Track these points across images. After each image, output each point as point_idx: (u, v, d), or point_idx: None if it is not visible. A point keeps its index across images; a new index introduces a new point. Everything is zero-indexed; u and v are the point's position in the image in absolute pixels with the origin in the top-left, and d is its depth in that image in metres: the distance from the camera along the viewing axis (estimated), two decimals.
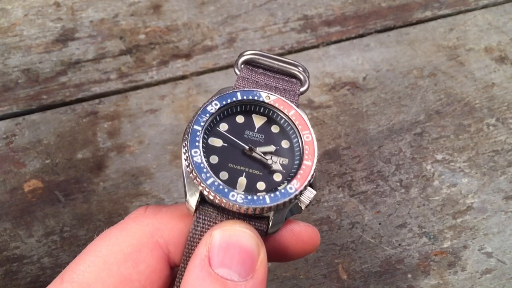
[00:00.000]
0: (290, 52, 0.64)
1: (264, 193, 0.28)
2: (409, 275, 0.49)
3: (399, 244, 0.51)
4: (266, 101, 0.30)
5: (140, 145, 0.56)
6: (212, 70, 0.62)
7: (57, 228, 0.51)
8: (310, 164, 0.29)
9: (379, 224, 0.52)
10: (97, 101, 0.59)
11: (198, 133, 0.29)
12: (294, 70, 0.33)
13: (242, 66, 0.33)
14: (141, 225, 0.28)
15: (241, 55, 0.33)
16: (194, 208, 0.28)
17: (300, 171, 0.28)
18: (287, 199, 0.27)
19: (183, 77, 0.62)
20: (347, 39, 0.65)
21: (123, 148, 0.56)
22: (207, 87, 0.61)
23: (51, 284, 0.27)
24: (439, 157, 0.56)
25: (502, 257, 0.51)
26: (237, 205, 0.27)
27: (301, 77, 0.33)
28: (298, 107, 0.31)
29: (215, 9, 0.67)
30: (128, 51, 0.63)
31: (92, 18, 0.66)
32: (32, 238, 0.50)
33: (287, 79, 0.33)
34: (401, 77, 0.62)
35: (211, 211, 0.28)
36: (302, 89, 0.33)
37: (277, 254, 0.30)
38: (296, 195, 0.28)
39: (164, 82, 0.61)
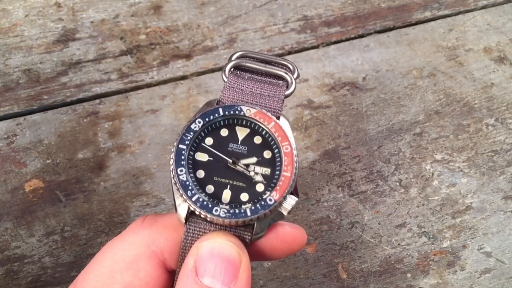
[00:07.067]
0: (290, 53, 0.64)
1: (247, 204, 0.30)
2: (409, 275, 0.50)
3: (399, 244, 0.51)
4: (247, 114, 0.32)
5: (140, 145, 0.57)
6: (213, 71, 0.63)
7: (58, 228, 0.51)
8: (288, 175, 0.30)
9: (379, 223, 0.52)
10: (97, 101, 0.60)
11: (183, 152, 0.30)
12: (281, 72, 0.33)
13: (230, 72, 0.33)
14: (139, 236, 0.31)
15: (229, 59, 0.34)
16: (184, 220, 0.30)
17: (280, 182, 0.30)
18: (266, 210, 0.29)
19: (183, 78, 0.62)
20: (347, 39, 0.66)
21: (123, 148, 0.56)
22: (207, 88, 0.61)
23: None
24: (438, 157, 0.56)
25: (501, 256, 0.51)
26: (220, 219, 0.29)
27: (288, 78, 0.33)
28: (279, 117, 0.32)
29: (215, 10, 0.68)
30: (128, 52, 0.64)
31: (93, 18, 0.66)
32: (33, 237, 0.51)
33: (274, 81, 0.33)
34: (400, 77, 0.62)
35: (199, 221, 0.30)
36: (287, 92, 0.33)
37: (264, 256, 0.32)
38: (275, 206, 0.30)
39: (164, 82, 0.62)
